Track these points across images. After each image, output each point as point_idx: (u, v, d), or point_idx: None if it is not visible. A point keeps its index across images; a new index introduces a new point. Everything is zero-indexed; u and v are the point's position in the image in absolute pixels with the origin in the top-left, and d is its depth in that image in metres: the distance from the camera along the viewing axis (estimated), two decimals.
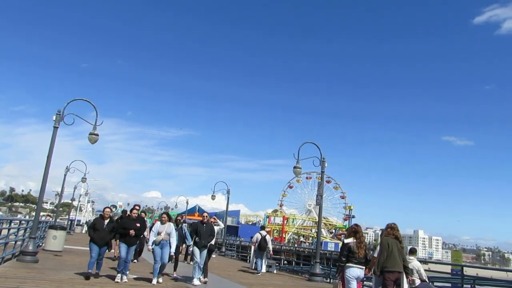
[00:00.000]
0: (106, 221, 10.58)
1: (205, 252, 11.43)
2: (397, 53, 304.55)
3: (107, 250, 10.85)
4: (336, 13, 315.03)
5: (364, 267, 8.06)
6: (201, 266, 11.40)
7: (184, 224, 14.00)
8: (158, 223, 10.85)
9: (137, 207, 11.90)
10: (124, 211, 14.16)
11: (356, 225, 8.72)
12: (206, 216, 11.74)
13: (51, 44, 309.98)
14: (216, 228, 12.68)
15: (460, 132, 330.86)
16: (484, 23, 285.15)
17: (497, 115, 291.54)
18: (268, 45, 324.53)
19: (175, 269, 12.71)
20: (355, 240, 8.16)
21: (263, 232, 16.46)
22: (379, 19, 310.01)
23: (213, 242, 12.19)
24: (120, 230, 10.50)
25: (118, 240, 10.92)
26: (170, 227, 10.72)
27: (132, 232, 10.37)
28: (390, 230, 8.43)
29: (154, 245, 10.47)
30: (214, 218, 13.36)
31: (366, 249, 8.21)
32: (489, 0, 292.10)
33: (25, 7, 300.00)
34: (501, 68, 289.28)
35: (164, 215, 10.97)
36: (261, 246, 16.11)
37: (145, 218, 13.63)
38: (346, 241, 8.30)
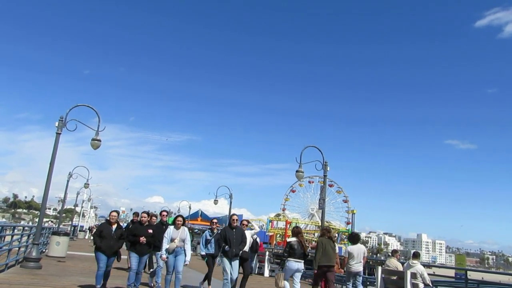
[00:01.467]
0: (114, 227, 9.22)
1: (236, 262, 9.60)
2: (399, 57, 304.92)
3: (115, 260, 9.46)
4: (339, 16, 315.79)
5: (302, 261, 9.86)
6: (234, 280, 9.56)
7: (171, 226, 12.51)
8: (171, 228, 9.44)
9: (144, 215, 10.14)
10: (135, 214, 12.50)
11: (296, 227, 11.06)
12: (236, 220, 9.83)
13: (53, 51, 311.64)
14: (248, 233, 11.01)
15: (462, 136, 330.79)
16: (485, 27, 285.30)
17: (499, 119, 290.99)
18: (271, 49, 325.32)
19: (209, 283, 10.99)
20: (296, 240, 9.97)
21: (254, 236, 16.64)
22: (381, 22, 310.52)
23: (246, 248, 10.53)
24: (129, 237, 9.41)
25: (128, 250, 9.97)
26: (185, 232, 9.39)
27: (142, 239, 9.24)
28: (325, 232, 10.73)
29: (167, 253, 9.14)
30: (247, 221, 11.53)
31: (305, 247, 9.97)
32: (490, 3, 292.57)
33: (28, 14, 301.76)
34: (503, 72, 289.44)
35: (179, 219, 9.51)
36: (253, 248, 16.25)
37: (167, 222, 11.82)
38: (289, 240, 10.15)
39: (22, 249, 13.96)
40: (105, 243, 8.95)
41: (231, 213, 11.60)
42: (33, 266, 12.39)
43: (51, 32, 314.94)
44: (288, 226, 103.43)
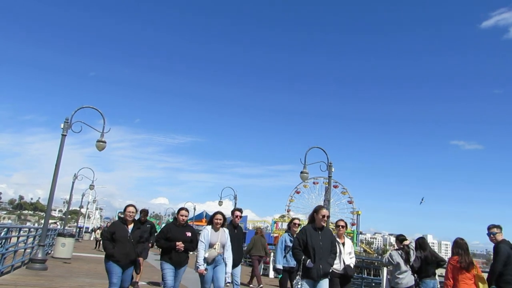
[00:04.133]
0: (130, 227, 6.96)
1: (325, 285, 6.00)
2: (405, 57, 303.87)
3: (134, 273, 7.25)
4: (345, 15, 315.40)
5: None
6: None
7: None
8: (208, 229, 7.13)
9: (185, 213, 7.50)
10: (143, 211, 10.45)
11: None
12: (324, 216, 6.21)
13: (59, 53, 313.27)
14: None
15: (469, 137, 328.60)
16: (492, 28, 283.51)
17: (506, 119, 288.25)
18: (274, 49, 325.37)
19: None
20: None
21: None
22: (387, 22, 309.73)
23: (339, 265, 7.07)
24: (161, 241, 7.11)
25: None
26: (225, 235, 7.20)
27: (180, 245, 6.96)
28: (258, 230, 14.55)
29: (205, 264, 6.95)
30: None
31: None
32: (496, 4, 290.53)
33: (33, 17, 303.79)
34: (509, 72, 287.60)
35: (219, 216, 7.21)
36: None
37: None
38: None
39: (28, 250, 14.02)
40: (119, 249, 6.68)
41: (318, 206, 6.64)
42: (39, 267, 12.43)
43: (57, 34, 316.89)
44: None
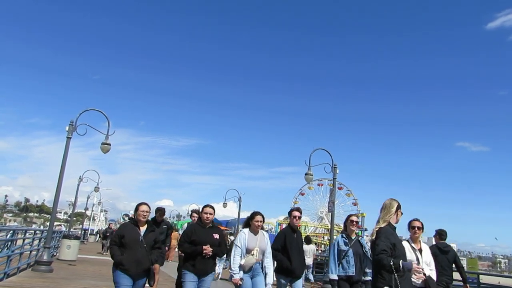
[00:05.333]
0: (143, 229, 5.86)
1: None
2: (409, 58, 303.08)
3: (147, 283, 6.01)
4: (348, 15, 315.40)
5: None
6: None
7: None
8: (245, 232, 6.24)
9: (210, 210, 6.26)
10: (159, 210, 9.28)
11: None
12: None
13: (64, 56, 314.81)
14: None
15: (474, 138, 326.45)
16: (497, 28, 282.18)
17: None
18: (279, 50, 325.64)
19: None
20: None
21: None
22: (392, 24, 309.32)
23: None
24: (185, 246, 5.98)
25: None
26: (265, 239, 6.27)
27: (208, 249, 5.83)
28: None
29: (242, 272, 6.02)
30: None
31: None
32: (502, 5, 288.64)
33: (38, 19, 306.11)
34: None
35: (259, 218, 6.25)
36: None
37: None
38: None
39: (34, 252, 14.09)
40: (130, 255, 5.59)
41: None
42: (45, 269, 12.48)
43: (61, 36, 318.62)
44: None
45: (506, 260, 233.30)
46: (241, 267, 5.98)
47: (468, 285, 8.28)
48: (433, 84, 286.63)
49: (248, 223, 6.32)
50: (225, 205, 33.78)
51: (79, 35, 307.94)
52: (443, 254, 8.05)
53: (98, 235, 44.88)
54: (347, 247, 6.33)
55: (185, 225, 9.61)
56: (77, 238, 19.23)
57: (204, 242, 5.84)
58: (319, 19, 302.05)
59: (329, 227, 22.69)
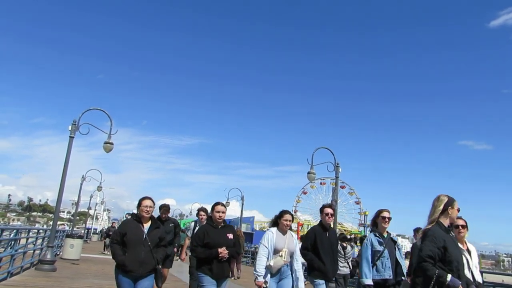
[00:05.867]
0: (147, 226, 5.32)
1: None
2: (412, 56, 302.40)
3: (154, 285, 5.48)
4: (352, 12, 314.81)
5: None
6: None
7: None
8: (272, 231, 5.77)
9: (221, 208, 5.73)
10: (164, 207, 8.89)
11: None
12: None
13: (67, 55, 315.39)
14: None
15: (477, 137, 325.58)
16: (500, 27, 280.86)
17: None
18: (281, 48, 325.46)
19: None
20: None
21: None
22: (395, 21, 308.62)
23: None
24: (199, 250, 5.40)
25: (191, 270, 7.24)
26: (294, 240, 5.85)
27: (224, 252, 5.32)
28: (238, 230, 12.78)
29: (269, 274, 5.58)
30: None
31: None
32: (505, 3, 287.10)
33: (41, 19, 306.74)
34: None
35: (288, 217, 5.82)
36: None
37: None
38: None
39: (37, 251, 14.14)
40: (132, 255, 5.06)
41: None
42: (48, 268, 12.52)
43: (64, 36, 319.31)
44: (300, 227, 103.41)
45: (509, 259, 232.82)
46: (267, 269, 5.52)
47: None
48: (435, 82, 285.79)
49: (276, 222, 5.87)
50: (227, 204, 33.89)
51: (82, 35, 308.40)
52: None
53: (101, 235, 44.93)
54: (382, 247, 5.54)
55: (191, 224, 8.88)
56: (80, 237, 19.28)
57: (218, 244, 5.31)
58: (325, 18, 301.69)
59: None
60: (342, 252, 10.30)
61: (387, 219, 5.76)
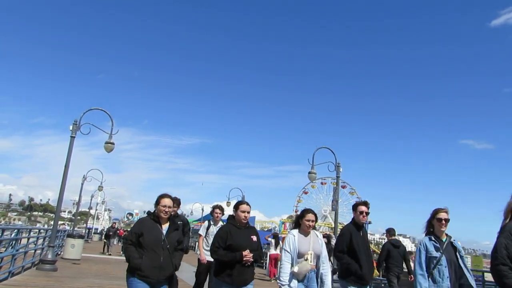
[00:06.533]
0: (166, 227, 4.72)
1: None
2: (413, 55, 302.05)
3: None
4: (355, 10, 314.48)
5: None
6: None
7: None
8: (294, 233, 5.24)
9: (246, 207, 5.14)
10: (174, 201, 6.15)
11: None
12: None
13: (68, 55, 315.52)
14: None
15: (478, 136, 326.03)
16: (501, 26, 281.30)
17: None
18: (281, 47, 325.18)
19: None
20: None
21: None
22: (397, 21, 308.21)
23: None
24: (221, 253, 4.80)
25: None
26: (319, 240, 5.28)
27: (249, 256, 4.76)
28: None
29: (295, 279, 5.00)
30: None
31: None
32: (506, 2, 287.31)
33: (42, 18, 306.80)
34: None
35: (311, 216, 5.26)
36: None
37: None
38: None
39: (38, 251, 14.14)
40: (150, 259, 4.46)
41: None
42: (49, 268, 12.51)
43: (65, 35, 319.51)
44: None
45: None
46: (292, 276, 4.94)
47: (412, 275, 9.47)
48: (437, 81, 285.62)
49: (298, 222, 5.35)
50: (228, 204, 33.83)
51: (82, 34, 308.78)
52: (396, 249, 9.92)
53: (103, 235, 44.89)
54: (439, 253, 4.64)
55: (205, 223, 8.21)
56: (81, 237, 19.29)
57: (242, 247, 4.77)
58: (328, 15, 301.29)
59: (333, 226, 22.64)
60: None
61: (443, 221, 4.77)
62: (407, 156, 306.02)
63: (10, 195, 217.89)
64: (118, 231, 26.74)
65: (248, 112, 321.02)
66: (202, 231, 8.04)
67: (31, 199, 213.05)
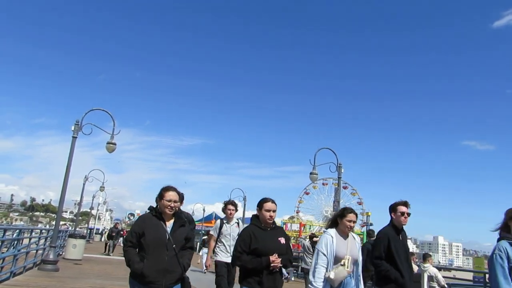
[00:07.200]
0: (170, 224, 4.07)
1: None
2: (416, 56, 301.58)
3: None
4: (357, 12, 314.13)
5: None
6: None
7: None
8: (331, 233, 4.51)
9: (272, 205, 4.47)
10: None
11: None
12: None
13: (69, 56, 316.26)
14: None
15: (481, 137, 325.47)
16: (504, 27, 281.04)
17: None
18: (282, 49, 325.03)
19: None
20: None
21: None
22: (399, 21, 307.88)
23: None
24: (245, 258, 4.21)
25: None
26: (356, 244, 4.61)
27: (277, 261, 4.15)
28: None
29: (328, 287, 4.34)
30: None
31: None
32: (508, 4, 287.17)
33: (44, 19, 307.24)
34: None
35: (352, 216, 4.54)
36: None
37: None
38: None
39: (40, 251, 14.15)
40: (154, 262, 3.83)
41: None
42: (51, 268, 12.53)
43: (67, 37, 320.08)
44: (302, 228, 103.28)
45: None
46: (327, 282, 4.27)
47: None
48: (439, 82, 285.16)
49: (336, 221, 4.62)
50: None
51: (84, 36, 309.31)
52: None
53: (102, 236, 44.78)
54: None
55: (217, 222, 7.33)
56: (82, 237, 19.29)
57: (270, 251, 4.16)
58: (328, 18, 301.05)
59: None
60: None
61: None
62: (409, 157, 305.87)
63: (12, 195, 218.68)
64: (122, 232, 26.39)
65: (249, 113, 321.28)
66: (213, 231, 7.14)
67: (33, 200, 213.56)
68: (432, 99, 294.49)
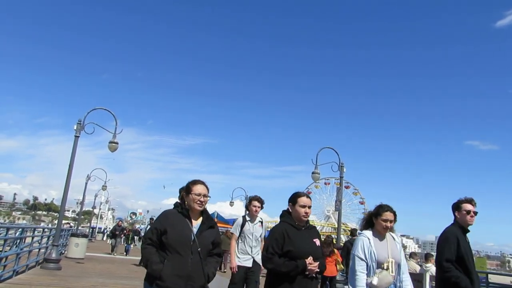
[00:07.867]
0: (197, 223, 3.52)
1: None
2: (418, 55, 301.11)
3: None
4: (361, 10, 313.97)
5: None
6: None
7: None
8: (368, 235, 3.95)
9: (305, 200, 3.97)
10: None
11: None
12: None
13: (72, 55, 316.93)
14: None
15: (484, 137, 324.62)
16: (506, 27, 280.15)
17: None
18: (285, 48, 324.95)
19: None
20: None
21: None
22: (401, 21, 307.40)
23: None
24: (277, 261, 3.60)
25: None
26: (397, 244, 4.05)
27: (314, 265, 3.61)
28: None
29: None
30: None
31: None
32: (511, 3, 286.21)
33: (47, 18, 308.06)
34: None
35: (390, 215, 3.97)
36: None
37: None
38: None
39: (42, 250, 14.19)
40: (175, 265, 3.31)
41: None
42: (53, 267, 12.55)
43: (69, 36, 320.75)
44: None
45: None
46: (372, 287, 3.73)
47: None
48: (442, 81, 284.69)
49: (371, 221, 4.07)
50: (232, 204, 33.83)
51: (86, 35, 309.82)
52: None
53: (104, 235, 44.78)
54: None
55: (239, 219, 6.45)
56: (85, 236, 19.35)
57: (305, 254, 3.62)
58: (331, 14, 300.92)
59: (336, 226, 22.64)
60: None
61: None
62: (411, 156, 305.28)
63: (15, 194, 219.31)
64: (125, 230, 25.94)
65: (252, 113, 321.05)
66: (235, 230, 6.34)
67: (36, 198, 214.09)
68: (434, 99, 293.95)
